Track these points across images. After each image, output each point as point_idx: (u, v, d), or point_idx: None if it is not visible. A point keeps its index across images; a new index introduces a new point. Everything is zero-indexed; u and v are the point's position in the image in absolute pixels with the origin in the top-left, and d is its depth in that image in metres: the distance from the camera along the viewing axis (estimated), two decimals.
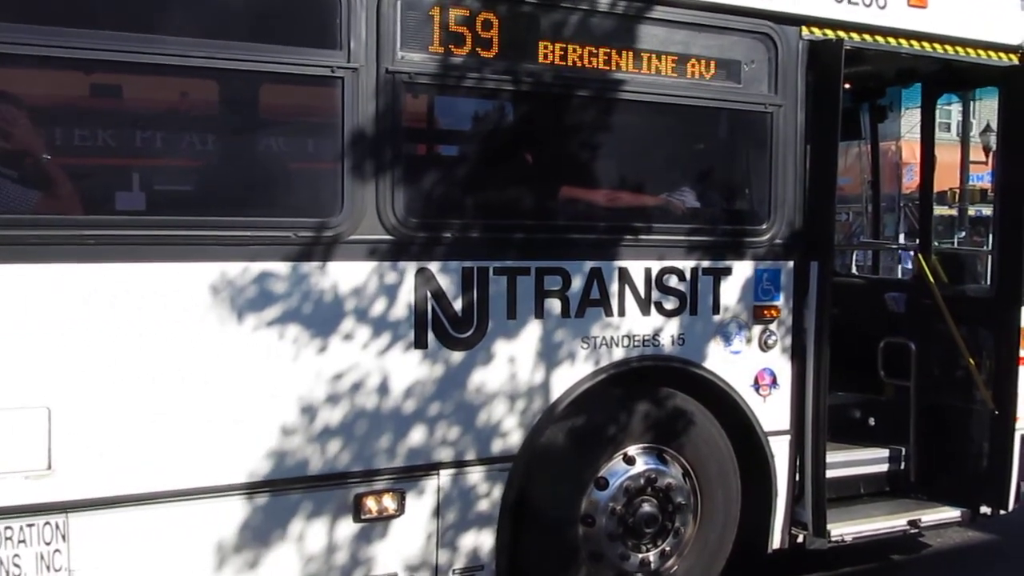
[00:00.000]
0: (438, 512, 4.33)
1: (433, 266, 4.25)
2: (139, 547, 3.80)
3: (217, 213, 4.01)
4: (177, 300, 3.82)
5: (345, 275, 4.08)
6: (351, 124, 4.05)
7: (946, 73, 5.92)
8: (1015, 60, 5.47)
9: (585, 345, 4.57)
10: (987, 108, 15.26)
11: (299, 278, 4.00)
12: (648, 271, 4.70)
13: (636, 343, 4.69)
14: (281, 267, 3.96)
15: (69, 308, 3.65)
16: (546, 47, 4.45)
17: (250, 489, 3.98)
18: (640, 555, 4.78)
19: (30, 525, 3.65)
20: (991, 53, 5.45)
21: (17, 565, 3.64)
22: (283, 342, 3.98)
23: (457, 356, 4.31)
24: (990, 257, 6.10)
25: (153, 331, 3.78)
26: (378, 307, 4.15)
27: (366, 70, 4.06)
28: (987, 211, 17.07)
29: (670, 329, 4.76)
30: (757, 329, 4.96)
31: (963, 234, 17.77)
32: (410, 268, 4.20)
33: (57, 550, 3.69)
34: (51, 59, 3.70)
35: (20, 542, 3.64)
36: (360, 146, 4.07)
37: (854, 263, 7.70)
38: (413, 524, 4.29)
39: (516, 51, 4.40)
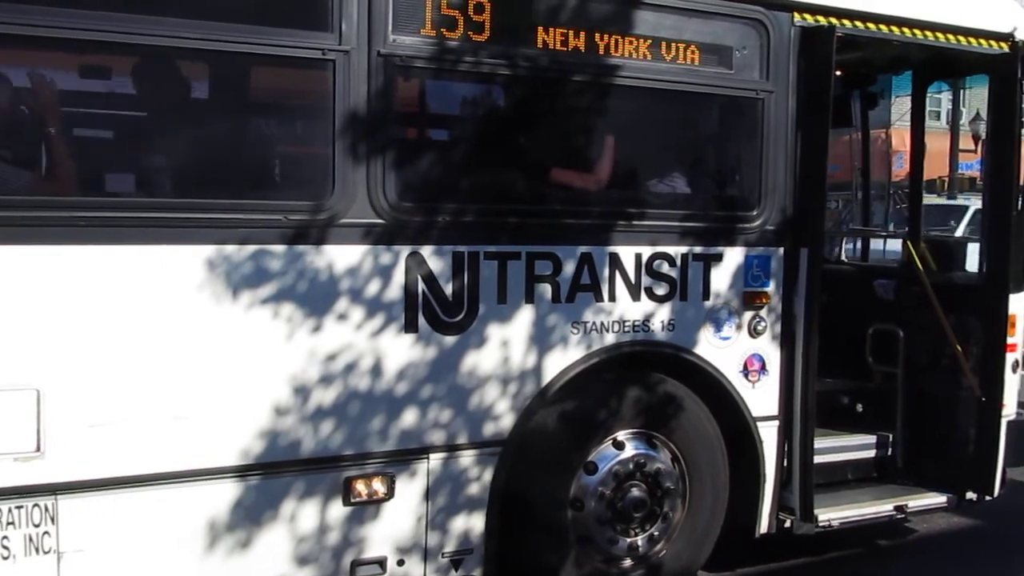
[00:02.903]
0: (428, 496, 4.34)
1: (424, 250, 4.24)
2: (128, 530, 3.80)
3: (208, 195, 4.00)
4: (168, 282, 3.81)
5: (336, 258, 4.07)
6: (342, 107, 4.04)
7: (937, 61, 5.94)
8: (1006, 48, 5.47)
9: (576, 330, 4.58)
10: (977, 96, 15.29)
11: (290, 261, 3.99)
12: (639, 256, 4.70)
13: (626, 328, 4.69)
14: (272, 250, 3.95)
15: (59, 289, 3.64)
16: (538, 31, 4.44)
17: (239, 472, 3.97)
18: (628, 539, 4.80)
19: (19, 507, 3.64)
20: (982, 41, 5.45)
21: (6, 547, 3.64)
22: (273, 325, 3.98)
23: (448, 340, 4.31)
24: (978, 245, 6.12)
25: (143, 313, 3.77)
26: (369, 290, 4.14)
27: (358, 53, 4.05)
28: (976, 199, 17.13)
29: (660, 315, 4.76)
30: (747, 315, 4.97)
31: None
32: (401, 252, 4.19)
33: (46, 532, 3.68)
34: (42, 39, 3.66)
35: (9, 524, 3.64)
36: (351, 129, 4.05)
37: (843, 251, 7.70)
38: (403, 507, 4.30)
39: (508, 35, 4.39)
